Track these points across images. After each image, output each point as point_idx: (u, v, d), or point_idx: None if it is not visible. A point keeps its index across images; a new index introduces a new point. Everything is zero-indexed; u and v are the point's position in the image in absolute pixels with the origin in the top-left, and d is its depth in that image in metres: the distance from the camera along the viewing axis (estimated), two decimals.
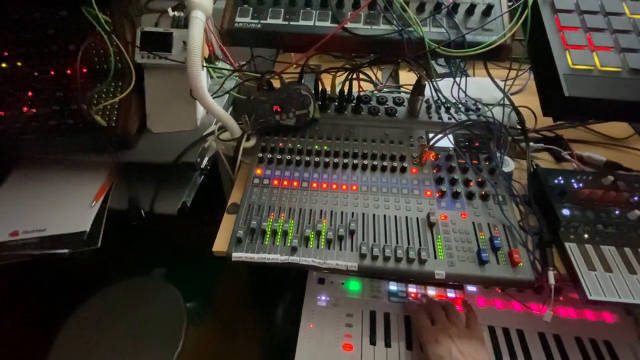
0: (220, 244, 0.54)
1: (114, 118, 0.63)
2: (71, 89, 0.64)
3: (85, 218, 0.63)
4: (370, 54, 0.64)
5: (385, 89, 0.86)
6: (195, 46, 0.50)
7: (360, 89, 0.74)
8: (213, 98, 0.75)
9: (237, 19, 0.57)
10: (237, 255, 0.50)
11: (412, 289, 0.65)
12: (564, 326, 0.61)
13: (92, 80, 0.65)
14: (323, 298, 0.63)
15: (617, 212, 0.55)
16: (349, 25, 0.56)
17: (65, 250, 0.58)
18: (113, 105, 0.64)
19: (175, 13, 0.75)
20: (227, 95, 0.81)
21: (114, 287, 0.82)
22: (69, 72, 0.65)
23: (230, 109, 0.87)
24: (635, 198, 0.56)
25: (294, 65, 0.64)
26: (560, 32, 0.53)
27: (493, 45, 0.53)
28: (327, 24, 0.56)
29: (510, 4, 0.56)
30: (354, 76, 0.68)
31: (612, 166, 0.67)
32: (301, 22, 0.57)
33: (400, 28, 0.54)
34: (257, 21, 0.57)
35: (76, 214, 0.63)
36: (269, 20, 0.57)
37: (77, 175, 0.70)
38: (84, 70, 0.65)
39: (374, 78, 0.86)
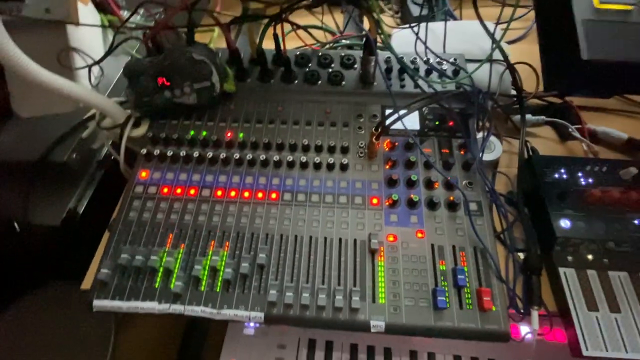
0: (91, 279, 0.40)
1: None
2: None
3: None
4: None
5: (344, 40, 0.66)
6: None
7: (307, 45, 0.54)
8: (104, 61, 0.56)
9: None
10: (99, 305, 0.36)
11: None
12: (549, 353, 0.49)
13: None
14: (252, 324, 0.51)
15: (636, 222, 0.39)
16: None
17: None
18: None
19: None
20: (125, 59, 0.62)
21: (33, 295, 0.71)
22: None
23: None
24: None
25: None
26: None
27: None
28: None
29: None
30: (285, 28, 0.48)
31: (637, 147, 0.49)
32: None
33: None
34: None
35: None
36: None
37: None
38: None
39: (332, 25, 0.65)
